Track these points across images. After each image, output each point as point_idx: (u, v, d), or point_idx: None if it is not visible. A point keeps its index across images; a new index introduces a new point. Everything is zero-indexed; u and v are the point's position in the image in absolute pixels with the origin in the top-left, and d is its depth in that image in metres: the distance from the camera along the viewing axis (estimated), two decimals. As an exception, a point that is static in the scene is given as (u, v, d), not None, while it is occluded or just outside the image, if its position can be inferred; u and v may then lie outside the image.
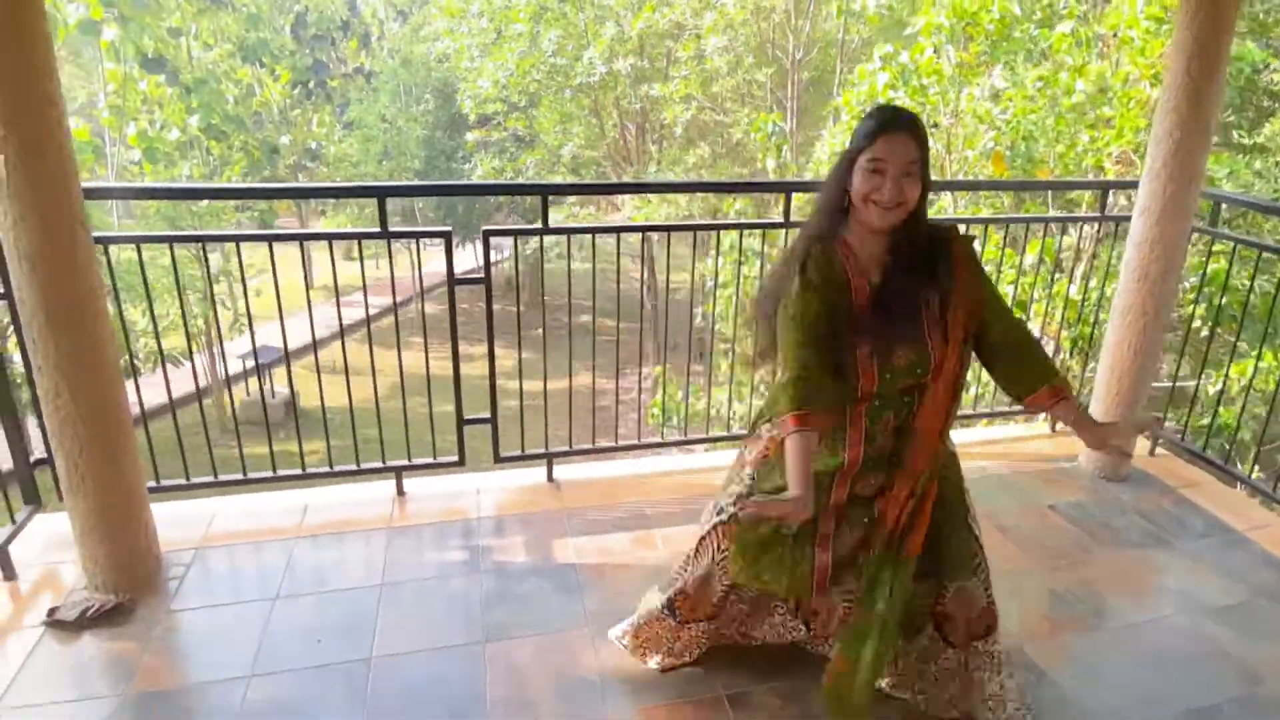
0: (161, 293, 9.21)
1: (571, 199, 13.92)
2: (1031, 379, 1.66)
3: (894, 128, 1.52)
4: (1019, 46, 4.77)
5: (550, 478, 2.99)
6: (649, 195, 9.57)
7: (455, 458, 2.88)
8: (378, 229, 2.47)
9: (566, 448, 3.00)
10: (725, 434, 3.33)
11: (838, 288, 1.59)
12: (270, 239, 2.49)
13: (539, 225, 2.64)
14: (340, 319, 2.71)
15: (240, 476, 2.75)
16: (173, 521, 2.58)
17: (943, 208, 5.21)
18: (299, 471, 2.81)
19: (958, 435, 3.52)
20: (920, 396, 1.64)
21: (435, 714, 1.93)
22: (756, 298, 1.79)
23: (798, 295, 1.58)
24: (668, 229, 2.89)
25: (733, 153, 11.54)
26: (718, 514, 1.83)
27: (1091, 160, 4.67)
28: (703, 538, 1.87)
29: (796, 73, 9.53)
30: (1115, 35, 4.49)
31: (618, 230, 2.74)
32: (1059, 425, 3.50)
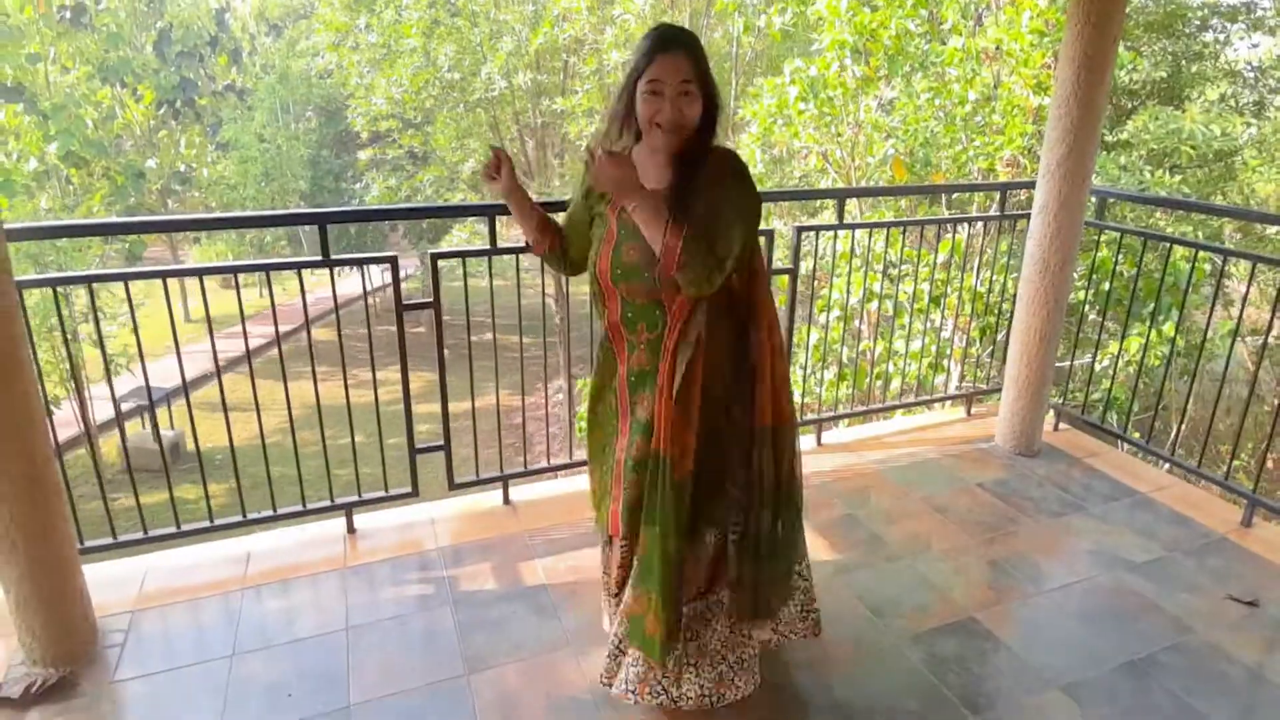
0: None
1: (472, 218, 13.69)
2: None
3: (668, 46, 1.55)
4: (913, 60, 5.13)
5: (506, 500, 2.95)
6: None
7: (408, 489, 2.80)
8: (319, 257, 2.38)
9: (522, 469, 2.96)
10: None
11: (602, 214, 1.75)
12: (200, 273, 2.35)
13: (488, 246, 2.61)
14: (279, 347, 2.58)
15: (174, 530, 2.57)
16: (100, 585, 2.37)
17: (850, 210, 5.51)
18: (239, 519, 2.65)
19: (884, 426, 3.73)
20: (664, 309, 1.68)
21: (427, 754, 1.88)
22: None
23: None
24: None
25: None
26: None
27: (983, 164, 5.08)
28: None
29: (694, 85, 9.77)
30: (999, 49, 4.91)
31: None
32: (973, 409, 3.76)
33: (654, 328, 1.70)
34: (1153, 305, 3.53)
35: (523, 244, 2.18)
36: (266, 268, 2.43)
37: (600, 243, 1.74)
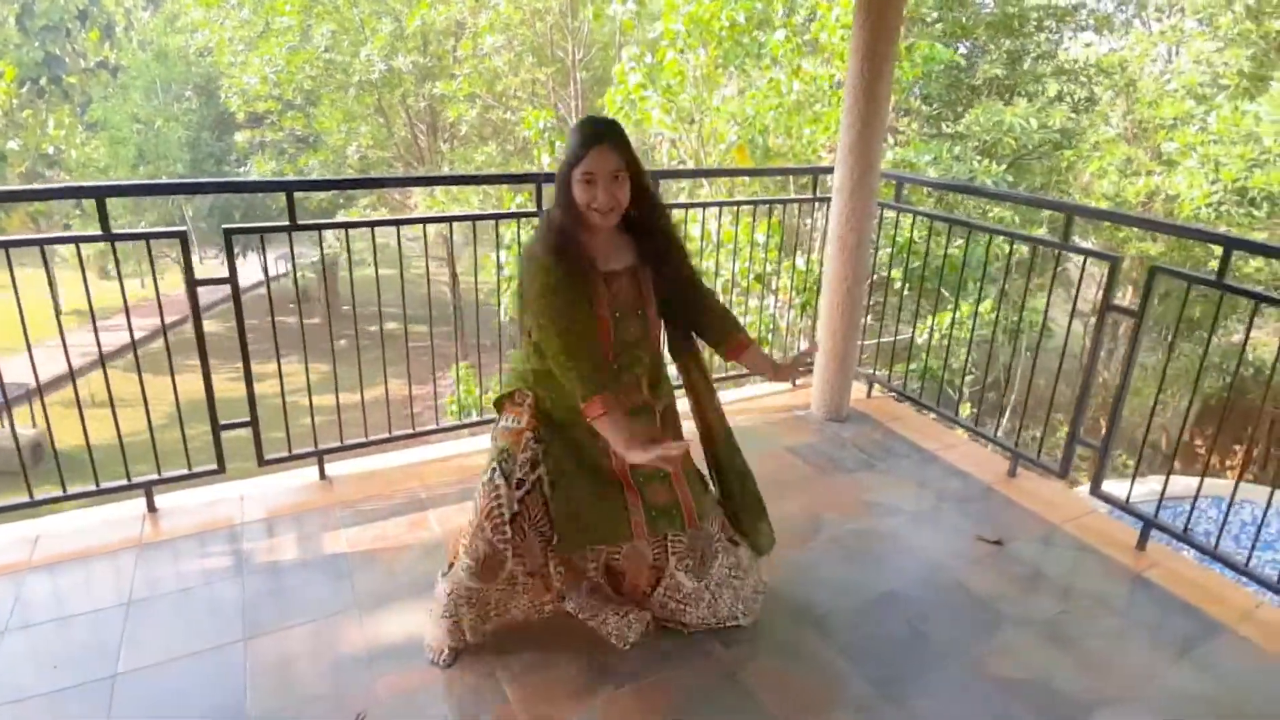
0: None
1: (364, 202, 13.38)
2: (724, 332, 2.09)
3: (596, 141, 1.76)
4: (747, 51, 5.37)
5: (322, 475, 2.97)
6: (436, 193, 9.45)
7: (214, 466, 2.79)
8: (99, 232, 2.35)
9: (337, 443, 2.99)
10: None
11: (582, 276, 1.84)
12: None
13: (285, 223, 2.62)
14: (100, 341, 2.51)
15: (-48, 512, 2.48)
16: None
17: (702, 193, 5.74)
18: (26, 499, 2.58)
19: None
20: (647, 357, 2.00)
21: (189, 716, 1.91)
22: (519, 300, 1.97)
23: (552, 287, 1.78)
24: (421, 221, 2.97)
25: (523, 151, 11.71)
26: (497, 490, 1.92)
27: (814, 151, 5.37)
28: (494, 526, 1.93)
29: (577, 72, 9.85)
30: (817, 42, 5.21)
31: (370, 225, 2.76)
32: (797, 380, 4.01)
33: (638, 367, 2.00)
34: (953, 283, 3.86)
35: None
36: (40, 242, 2.37)
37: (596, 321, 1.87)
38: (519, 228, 3.21)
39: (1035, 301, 6.35)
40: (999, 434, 3.50)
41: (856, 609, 2.37)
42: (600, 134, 1.78)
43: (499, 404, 2.04)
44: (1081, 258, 3.09)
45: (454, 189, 9.76)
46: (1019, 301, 5.01)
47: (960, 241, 4.22)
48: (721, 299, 2.28)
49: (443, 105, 11.41)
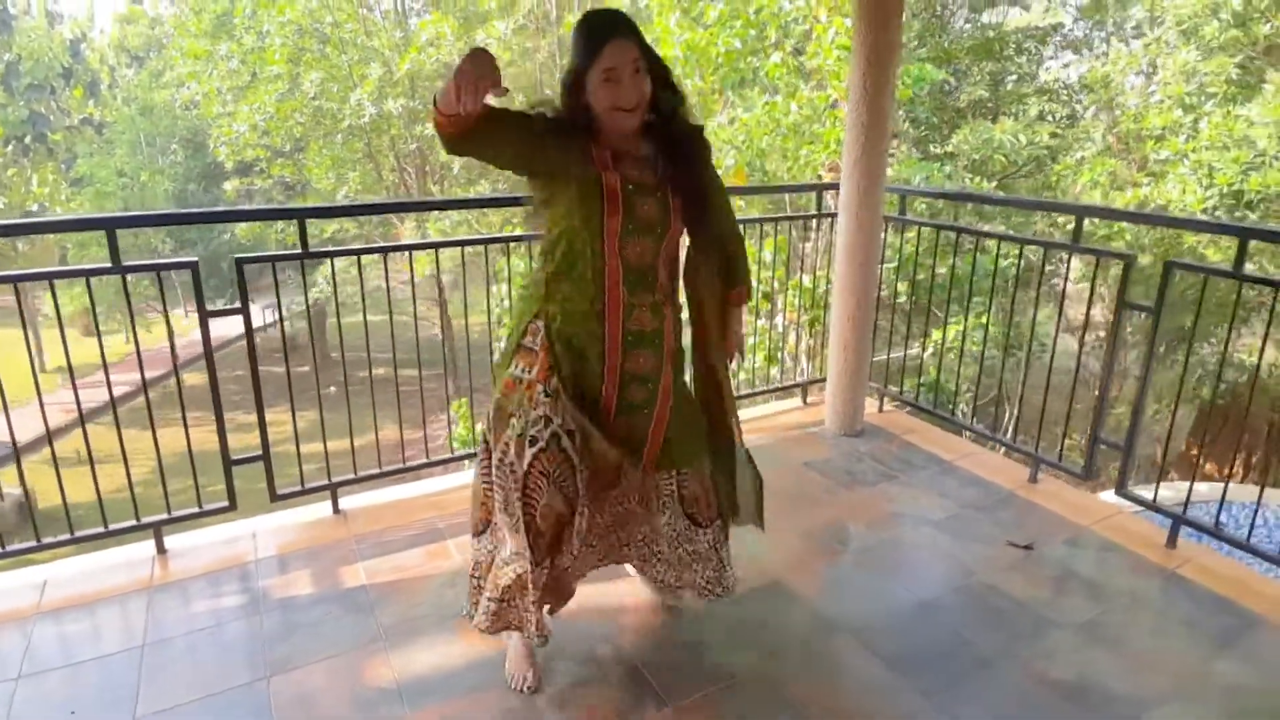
0: None
1: (356, 243, 13.40)
2: (735, 277, 1.99)
3: (612, 32, 1.59)
4: (744, 75, 5.46)
5: (336, 509, 2.90)
6: (428, 234, 9.49)
7: (225, 504, 2.71)
8: (108, 264, 2.31)
9: (351, 475, 2.92)
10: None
11: (589, 176, 1.67)
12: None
13: (298, 251, 2.60)
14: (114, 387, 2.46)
15: (-44, 560, 2.39)
16: None
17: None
18: (33, 544, 2.49)
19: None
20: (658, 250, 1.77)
21: (216, 759, 1.82)
22: None
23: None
24: (434, 245, 2.95)
25: (515, 189, 11.81)
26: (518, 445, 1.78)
27: (811, 171, 5.45)
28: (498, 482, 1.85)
29: (565, 109, 9.95)
30: (814, 64, 5.32)
31: (383, 250, 2.74)
32: (809, 398, 3.99)
33: (653, 291, 1.79)
34: (956, 296, 3.89)
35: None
36: (49, 276, 2.33)
37: (595, 203, 1.67)
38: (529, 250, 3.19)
39: (1033, 315, 6.40)
40: (1013, 442, 3.46)
41: (895, 620, 2.31)
42: (615, 24, 1.60)
43: (513, 347, 1.84)
44: (1066, 273, 3.10)
45: (445, 226, 9.78)
46: (1014, 316, 5.03)
47: (963, 253, 4.26)
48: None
49: (432, 147, 11.52)
